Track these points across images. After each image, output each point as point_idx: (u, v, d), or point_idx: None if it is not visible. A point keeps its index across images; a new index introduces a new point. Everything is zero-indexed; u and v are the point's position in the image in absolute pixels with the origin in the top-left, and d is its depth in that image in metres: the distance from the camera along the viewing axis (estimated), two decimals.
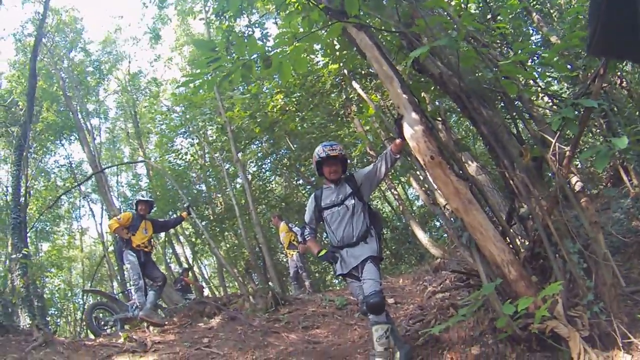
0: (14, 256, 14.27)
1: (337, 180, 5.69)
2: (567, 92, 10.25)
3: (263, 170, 22.29)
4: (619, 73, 10.28)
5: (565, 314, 4.71)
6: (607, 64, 4.50)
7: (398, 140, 5.31)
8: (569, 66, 8.22)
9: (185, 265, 24.25)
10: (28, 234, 18.36)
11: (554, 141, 4.85)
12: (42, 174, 27.18)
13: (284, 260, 20.89)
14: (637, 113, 10.32)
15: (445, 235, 15.69)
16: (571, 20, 8.27)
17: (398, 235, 21.42)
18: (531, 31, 12.18)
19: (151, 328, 8.32)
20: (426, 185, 8.09)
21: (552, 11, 12.61)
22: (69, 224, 33.26)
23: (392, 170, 13.25)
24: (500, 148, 5.42)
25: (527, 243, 5.45)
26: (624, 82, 10.55)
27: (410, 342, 5.86)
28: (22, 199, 15.93)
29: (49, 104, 23.77)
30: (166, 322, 8.63)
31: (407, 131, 5.01)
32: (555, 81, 11.17)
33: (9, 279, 14.35)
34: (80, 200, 30.95)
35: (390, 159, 5.46)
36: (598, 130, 10.90)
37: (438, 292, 7.96)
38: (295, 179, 22.26)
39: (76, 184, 25.56)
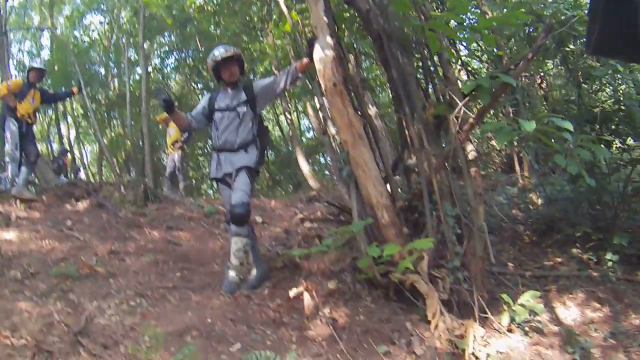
0: None
1: (235, 84, 5.53)
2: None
3: (165, 65, 21.69)
4: (542, 73, 10.47)
5: (428, 272, 4.77)
6: (537, 53, 4.52)
7: (305, 60, 5.19)
8: (496, 49, 8.25)
9: (66, 147, 23.42)
10: None
11: (460, 104, 4.82)
12: None
13: (164, 159, 20.52)
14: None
15: (327, 172, 15.83)
16: (515, 3, 8.31)
17: (281, 159, 21.47)
18: (471, 8, 12.17)
19: (18, 202, 7.97)
20: (320, 115, 8.02)
21: None
22: None
23: (291, 91, 13.09)
24: (406, 97, 5.36)
25: (406, 195, 5.46)
26: (544, 84, 10.76)
27: (270, 263, 5.82)
28: None
29: None
30: (37, 200, 8.30)
31: (318, 54, 4.88)
32: (477, 60, 11.27)
33: None
34: None
35: (292, 76, 5.32)
36: (504, 117, 11.13)
37: (307, 221, 7.98)
38: (195, 81, 21.67)
39: None
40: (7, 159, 9.06)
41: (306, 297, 4.77)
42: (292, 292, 4.91)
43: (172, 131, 13.07)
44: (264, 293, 5.19)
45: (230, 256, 5.25)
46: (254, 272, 5.40)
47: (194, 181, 23.13)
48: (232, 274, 5.24)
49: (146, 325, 4.13)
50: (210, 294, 5.07)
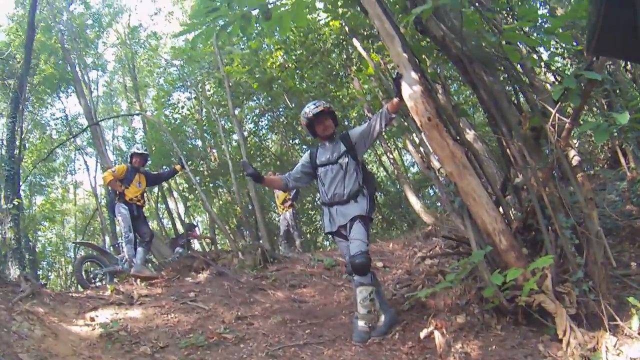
0: (4, 207, 14.22)
1: (331, 137, 5.64)
2: (571, 70, 10.12)
3: (260, 127, 22.09)
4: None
5: (553, 289, 4.65)
6: None
7: (395, 99, 5.22)
8: (574, 43, 8.08)
9: (193, 222, 24.32)
10: (22, 187, 18.30)
11: (554, 112, 4.74)
12: (38, 127, 26.94)
13: (276, 219, 20.86)
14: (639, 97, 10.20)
15: (439, 203, 15.65)
16: None
17: (391, 200, 21.45)
18: (538, 5, 11.95)
19: (138, 281, 8.31)
20: (422, 150, 8.02)
21: None
22: (63, 177, 33.01)
23: (388, 131, 13.14)
24: (499, 115, 5.33)
25: (519, 214, 5.38)
26: (629, 66, 10.40)
27: (396, 306, 5.83)
28: (17, 151, 15.83)
29: (47, 57, 23.44)
30: (157, 276, 8.62)
31: (406, 91, 4.88)
32: (560, 58, 11.01)
33: (0, 231, 14.33)
34: (75, 154, 30.75)
35: (386, 118, 5.37)
36: (598, 111, 10.79)
37: (427, 258, 7.92)
38: (292, 137, 22.05)
39: (71, 136, 25.40)
40: (121, 241, 9.49)
41: (437, 335, 4.75)
42: (423, 333, 4.91)
43: (280, 191, 13.34)
44: (395, 337, 5.18)
45: (357, 306, 5.29)
46: (382, 318, 5.41)
47: (308, 235, 23.40)
48: (361, 323, 5.26)
49: None
50: (342, 346, 5.11)
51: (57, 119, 27.69)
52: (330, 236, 5.95)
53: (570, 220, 4.89)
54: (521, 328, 4.88)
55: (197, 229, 19.18)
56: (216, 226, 23.93)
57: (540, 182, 4.86)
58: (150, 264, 10.60)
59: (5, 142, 16.85)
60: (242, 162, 5.99)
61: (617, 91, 9.57)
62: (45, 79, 23.71)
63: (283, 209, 13.49)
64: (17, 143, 15.93)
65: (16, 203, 14.33)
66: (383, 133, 6.46)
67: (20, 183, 16.98)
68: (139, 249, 9.01)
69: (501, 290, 4.65)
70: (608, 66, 9.00)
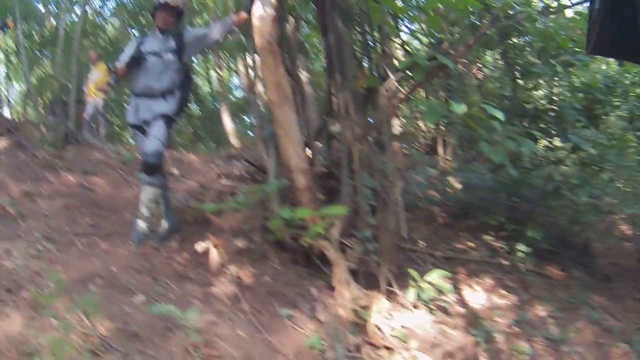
0: None
1: (166, 31, 5.34)
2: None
3: (105, 7, 20.97)
4: (479, 64, 10.56)
5: (338, 240, 4.79)
6: (479, 40, 4.55)
7: (244, 14, 5.04)
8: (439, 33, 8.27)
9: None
10: None
11: (393, 78, 4.82)
12: None
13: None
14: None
15: (251, 133, 15.72)
16: None
17: (207, 116, 21.21)
18: None
19: None
20: (251, 73, 7.95)
21: None
22: None
23: (225, 47, 12.87)
24: (339, 64, 5.34)
25: (326, 161, 5.46)
26: (481, 75, 10.86)
27: (181, 217, 5.75)
28: None
29: None
30: None
31: (257, 10, 4.73)
32: (418, 42, 11.31)
33: None
34: None
35: (227, 28, 5.19)
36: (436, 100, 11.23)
37: (223, 178, 7.90)
38: (133, 26, 21.04)
39: None
40: None
41: (213, 253, 4.76)
42: (199, 246, 4.85)
43: (97, 75, 12.53)
44: (172, 246, 5.12)
45: (141, 206, 5.17)
46: (164, 224, 5.32)
47: (117, 128, 22.61)
48: (141, 224, 5.16)
49: (51, 271, 4.03)
50: (118, 243, 4.99)
51: None
52: (131, 128, 5.71)
53: (373, 182, 5.03)
54: (298, 268, 5.04)
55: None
56: (30, 97, 22.53)
57: (355, 137, 4.96)
58: None
59: None
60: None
61: (461, 93, 9.98)
62: None
63: (96, 95, 12.62)
64: None
65: None
66: (219, 45, 6.25)
67: None
68: None
69: (287, 226, 4.73)
70: (460, 65, 9.33)
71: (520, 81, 7.83)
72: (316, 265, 4.87)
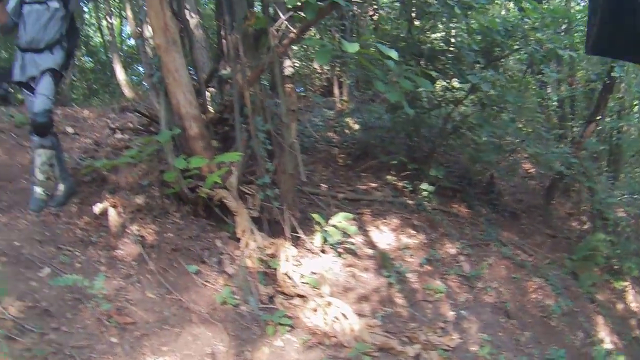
0: None
1: None
2: None
3: None
4: (375, 5, 10.43)
5: (237, 188, 4.69)
6: None
7: None
8: None
9: None
10: None
11: (283, 18, 4.67)
12: None
13: None
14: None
15: (145, 83, 15.29)
16: None
17: (99, 68, 20.47)
18: None
19: None
20: (139, 18, 7.59)
21: None
22: None
23: None
24: (228, 4, 5.16)
25: (217, 107, 5.29)
26: (375, 16, 10.71)
27: (77, 176, 5.44)
28: None
29: None
30: None
31: None
32: None
33: None
34: None
35: None
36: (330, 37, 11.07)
37: (118, 131, 7.59)
38: None
39: None
40: None
41: (112, 213, 4.50)
42: (97, 208, 4.58)
43: None
44: (72, 210, 4.80)
45: (35, 170, 4.77)
46: (60, 187, 4.95)
47: (11, 90, 21.55)
48: (38, 190, 4.77)
49: None
50: (18, 214, 4.61)
51: None
52: (19, 87, 5.32)
53: (267, 125, 4.93)
54: (200, 220, 4.88)
55: None
56: None
57: (246, 80, 4.81)
58: None
59: None
60: None
61: (355, 33, 9.88)
62: None
63: None
64: None
65: None
66: None
67: None
68: None
69: (184, 177, 4.57)
70: (354, 6, 9.22)
71: (417, 23, 7.78)
72: (218, 216, 4.76)
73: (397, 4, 9.80)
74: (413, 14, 7.64)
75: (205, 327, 3.88)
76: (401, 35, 8.16)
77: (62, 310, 3.44)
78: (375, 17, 10.76)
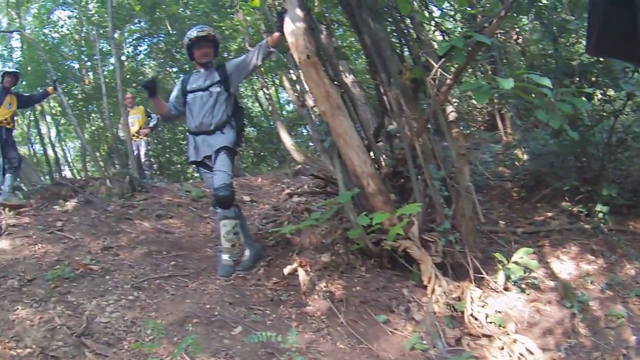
0: None
1: (207, 65, 5.45)
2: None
3: (138, 52, 21.25)
4: (517, 29, 10.40)
5: (419, 237, 4.80)
6: (510, 10, 4.48)
7: (276, 34, 5.11)
8: (469, 7, 8.19)
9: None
10: None
11: (436, 66, 4.80)
12: None
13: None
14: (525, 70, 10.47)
15: (310, 143, 15.72)
16: None
17: (263, 135, 21.25)
18: None
19: (6, 210, 7.83)
20: (298, 87, 7.98)
21: None
22: None
23: (266, 66, 13.01)
24: (381, 63, 5.36)
25: (390, 161, 5.46)
26: (520, 39, 10.69)
27: (262, 242, 5.81)
28: None
29: None
30: (25, 205, 8.16)
31: (288, 26, 4.78)
32: (451, 19, 11.19)
33: None
34: None
35: (264, 51, 5.26)
36: (482, 75, 11.07)
37: (295, 196, 7.94)
38: (170, 64, 21.37)
39: None
40: None
41: (301, 272, 4.81)
42: (287, 269, 4.94)
43: (136, 117, 12.62)
44: (259, 273, 5.20)
45: (221, 240, 5.24)
46: (247, 252, 5.39)
47: (178, 166, 22.90)
48: (225, 257, 5.23)
49: (146, 319, 4.12)
50: (207, 280, 5.05)
51: None
52: (195, 166, 5.81)
53: (440, 172, 5.03)
54: (386, 272, 5.03)
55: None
56: (87, 153, 23.02)
57: (414, 132, 4.95)
58: (18, 192, 9.99)
59: None
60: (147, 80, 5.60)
61: (505, 60, 9.84)
62: None
63: (136, 138, 12.65)
64: None
65: None
66: (261, 67, 6.32)
67: None
68: (7, 176, 8.45)
69: (367, 233, 4.75)
70: (499, 35, 9.22)
71: (561, 39, 7.66)
72: (403, 266, 4.87)
73: (537, 23, 9.67)
74: (555, 31, 7.54)
75: None
76: (549, 52, 8.05)
77: None
78: (519, 41, 10.67)
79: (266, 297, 4.72)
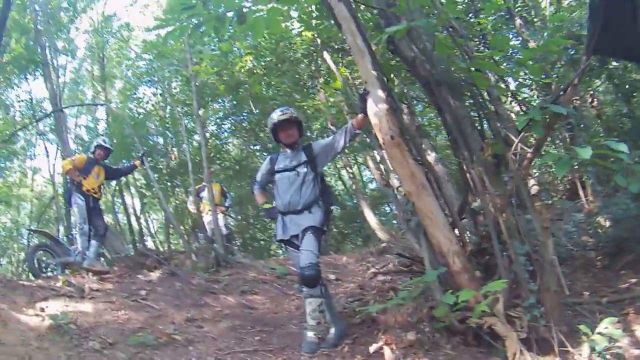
0: None
1: (294, 145, 5.65)
2: (537, 101, 10.32)
3: (222, 130, 21.94)
4: (591, 92, 10.38)
5: (504, 313, 4.74)
6: (582, 76, 4.51)
7: (360, 116, 5.25)
8: (543, 75, 8.26)
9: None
10: None
11: (516, 141, 4.85)
12: (2, 107, 26.16)
13: (230, 223, 20.39)
14: (602, 134, 10.46)
15: (394, 221, 15.71)
16: (553, 28, 8.29)
17: (347, 214, 21.41)
18: (511, 36, 12.10)
19: (90, 275, 8.18)
20: (381, 167, 8.12)
21: (535, 20, 12.52)
22: (23, 161, 32.03)
23: (350, 146, 13.25)
24: (462, 140, 5.43)
25: (475, 238, 5.47)
26: (595, 102, 10.65)
27: (347, 320, 5.86)
28: None
29: (19, 36, 22.87)
30: (109, 271, 8.49)
31: (371, 108, 4.90)
32: (527, 88, 11.23)
33: None
34: (36, 139, 29.79)
35: (350, 133, 5.42)
36: (561, 143, 11.04)
37: (380, 274, 7.97)
38: (253, 143, 21.89)
39: (34, 120, 24.81)
40: (75, 232, 9.34)
41: (386, 351, 4.81)
42: (372, 347, 4.95)
43: (213, 192, 12.70)
44: (344, 350, 5.20)
45: (307, 317, 5.33)
46: (332, 330, 5.44)
47: (262, 242, 23.25)
48: (310, 334, 5.29)
49: None
50: (291, 356, 5.13)
51: (22, 101, 26.86)
52: (282, 244, 5.96)
53: (525, 247, 4.99)
54: (471, 349, 4.96)
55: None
56: (171, 226, 23.65)
57: (498, 208, 4.96)
58: (102, 259, 10.42)
59: None
60: (273, 209, 5.86)
61: (581, 126, 9.78)
62: (14, 59, 23.05)
63: (211, 213, 12.66)
64: None
65: None
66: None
67: None
68: (93, 242, 8.86)
69: (452, 310, 4.73)
70: (574, 101, 9.20)
71: (634, 99, 7.61)
72: (488, 343, 4.81)
73: (609, 84, 9.63)
74: (627, 92, 7.51)
75: None
76: (623, 112, 7.97)
77: None
78: (594, 104, 10.60)
79: None
